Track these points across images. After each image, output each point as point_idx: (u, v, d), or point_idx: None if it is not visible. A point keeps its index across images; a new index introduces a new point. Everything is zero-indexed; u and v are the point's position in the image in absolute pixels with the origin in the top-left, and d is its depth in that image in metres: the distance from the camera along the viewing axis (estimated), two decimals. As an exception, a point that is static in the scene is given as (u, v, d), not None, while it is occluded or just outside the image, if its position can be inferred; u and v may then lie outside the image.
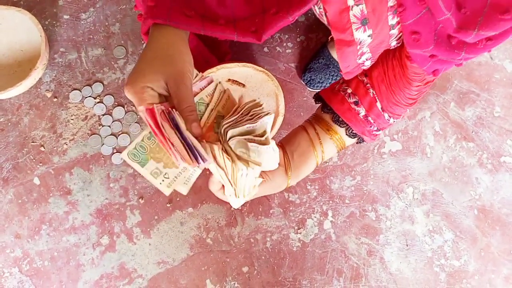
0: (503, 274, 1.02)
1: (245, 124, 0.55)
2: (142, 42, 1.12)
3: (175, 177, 0.56)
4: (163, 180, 0.56)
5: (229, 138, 0.54)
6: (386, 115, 0.66)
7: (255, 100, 0.59)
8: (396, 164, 1.07)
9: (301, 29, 1.15)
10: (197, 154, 0.51)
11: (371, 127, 0.66)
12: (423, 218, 1.04)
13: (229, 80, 1.00)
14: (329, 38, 1.10)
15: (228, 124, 0.55)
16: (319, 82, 1.08)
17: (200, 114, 0.57)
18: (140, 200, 1.04)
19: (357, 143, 0.71)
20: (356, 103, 0.66)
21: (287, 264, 1.01)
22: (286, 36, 1.15)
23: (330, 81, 1.08)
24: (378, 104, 0.65)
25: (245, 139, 0.55)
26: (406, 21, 0.54)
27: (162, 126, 0.51)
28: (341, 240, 1.03)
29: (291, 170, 0.64)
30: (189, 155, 0.51)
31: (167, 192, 0.57)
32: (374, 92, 0.65)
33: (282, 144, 0.67)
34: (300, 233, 1.03)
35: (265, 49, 1.14)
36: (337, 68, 1.08)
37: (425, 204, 1.05)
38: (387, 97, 0.64)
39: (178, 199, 1.04)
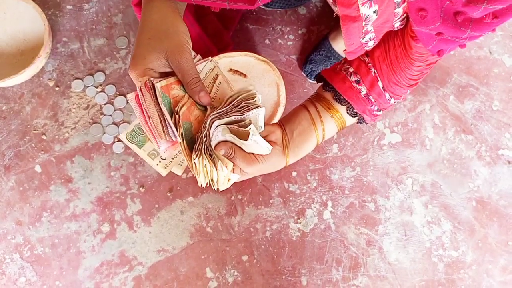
0: (500, 265, 1.02)
1: (232, 116, 0.55)
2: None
3: (172, 158, 0.57)
4: (160, 161, 0.57)
5: (213, 127, 0.54)
6: (387, 95, 0.66)
7: (250, 91, 0.59)
8: (396, 156, 1.08)
9: (302, 21, 1.16)
10: (170, 129, 0.51)
11: (371, 106, 0.67)
12: (421, 209, 1.05)
13: (230, 70, 1.01)
14: (330, 30, 1.11)
15: (215, 115, 0.55)
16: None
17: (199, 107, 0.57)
18: (141, 188, 1.04)
19: (357, 122, 0.71)
20: (357, 82, 0.66)
21: (287, 253, 1.02)
22: (288, 29, 1.16)
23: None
24: (380, 83, 0.65)
25: (229, 127, 0.55)
26: None
27: (143, 96, 0.51)
28: (340, 230, 1.04)
29: (290, 149, 0.64)
30: (163, 128, 0.51)
31: (163, 173, 0.58)
32: (375, 71, 0.65)
33: (282, 123, 0.67)
34: (300, 223, 1.04)
35: (267, 41, 1.15)
36: (337, 60, 1.08)
37: (424, 195, 1.06)
38: (388, 77, 0.65)
39: (178, 188, 1.05)
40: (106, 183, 1.05)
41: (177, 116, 0.51)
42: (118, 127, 1.08)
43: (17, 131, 1.07)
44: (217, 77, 0.61)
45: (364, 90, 0.66)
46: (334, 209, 1.04)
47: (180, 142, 0.52)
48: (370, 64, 0.66)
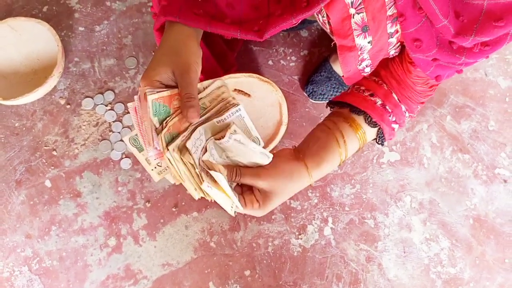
0: (497, 282, 1.04)
1: (214, 119, 0.56)
2: (152, 52, 1.18)
3: (167, 167, 0.61)
4: (155, 167, 0.61)
5: (203, 138, 0.56)
6: (403, 107, 0.66)
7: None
8: (395, 174, 1.11)
9: (304, 43, 1.21)
10: (156, 139, 0.54)
11: (390, 116, 0.65)
12: (420, 226, 1.07)
13: (235, 90, 1.05)
14: (331, 52, 1.16)
15: (198, 123, 0.56)
16: (320, 94, 1.13)
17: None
18: (147, 203, 1.08)
19: (377, 142, 0.68)
20: (371, 95, 0.66)
21: (288, 269, 1.05)
22: (290, 50, 1.20)
23: (331, 93, 1.13)
24: (394, 95, 0.66)
25: (216, 141, 0.56)
26: (407, 30, 0.57)
27: (140, 105, 0.56)
28: (340, 246, 1.06)
29: (307, 157, 0.62)
30: (152, 136, 0.54)
31: (156, 178, 0.61)
32: (387, 86, 0.66)
33: (295, 147, 0.66)
34: (301, 238, 1.06)
35: (270, 62, 1.19)
36: (338, 81, 1.13)
37: (422, 212, 1.08)
38: (400, 91, 0.65)
39: (183, 203, 1.08)
40: (114, 198, 1.08)
41: (164, 125, 0.55)
42: (126, 144, 1.12)
43: (28, 147, 1.11)
44: (222, 94, 0.63)
45: (379, 101, 0.66)
46: (334, 225, 1.07)
47: (164, 150, 0.54)
48: (380, 81, 0.67)
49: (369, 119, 0.65)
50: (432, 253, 1.06)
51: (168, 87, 0.58)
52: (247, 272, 1.04)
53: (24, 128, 1.13)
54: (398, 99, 0.66)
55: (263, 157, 0.58)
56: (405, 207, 1.09)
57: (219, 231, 1.06)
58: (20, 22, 1.12)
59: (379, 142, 0.68)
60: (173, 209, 1.08)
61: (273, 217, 1.07)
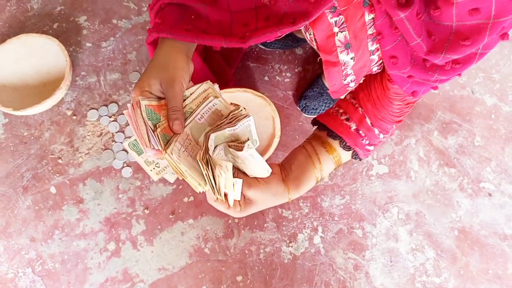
0: (480, 292, 1.08)
1: (225, 128, 0.62)
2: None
3: (165, 167, 0.67)
4: (153, 168, 0.67)
5: (213, 143, 0.61)
6: (376, 130, 0.72)
7: (238, 106, 0.66)
8: (383, 186, 1.15)
9: (299, 61, 1.28)
10: (152, 140, 0.60)
11: (363, 140, 0.72)
12: (406, 236, 1.11)
13: (231, 103, 1.11)
14: (323, 70, 1.22)
15: (210, 128, 0.62)
16: (313, 108, 1.19)
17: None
18: (146, 210, 1.13)
19: (353, 158, 0.75)
20: (347, 119, 0.72)
21: (279, 275, 1.09)
22: (286, 67, 1.27)
23: (323, 108, 1.18)
24: (368, 120, 0.72)
25: (228, 144, 0.62)
26: (384, 47, 0.63)
27: (134, 111, 0.62)
28: (329, 255, 1.10)
29: (290, 180, 0.68)
30: (148, 138, 0.60)
31: (155, 178, 0.67)
32: (362, 110, 0.72)
33: (281, 163, 0.72)
34: (292, 246, 1.11)
35: (266, 78, 1.26)
36: (329, 97, 1.18)
37: (408, 223, 1.12)
38: (374, 114, 0.71)
39: (180, 211, 1.13)
40: (114, 204, 1.14)
41: (158, 129, 0.61)
42: (127, 153, 1.18)
43: (36, 155, 1.18)
44: (208, 97, 0.68)
45: (353, 126, 0.72)
46: (324, 234, 1.12)
47: (162, 149, 0.60)
48: (357, 105, 0.74)
49: (344, 143, 0.71)
50: (417, 262, 1.10)
51: (158, 98, 0.64)
52: (239, 278, 1.09)
53: (32, 137, 1.20)
54: (371, 123, 0.71)
55: (264, 171, 0.64)
56: (393, 218, 1.13)
57: (214, 237, 1.11)
58: (32, 38, 1.20)
59: (354, 158, 0.75)
60: (170, 216, 1.13)
61: (265, 225, 1.12)
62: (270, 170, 0.65)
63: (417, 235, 1.12)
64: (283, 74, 1.26)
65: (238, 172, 0.65)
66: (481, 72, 1.26)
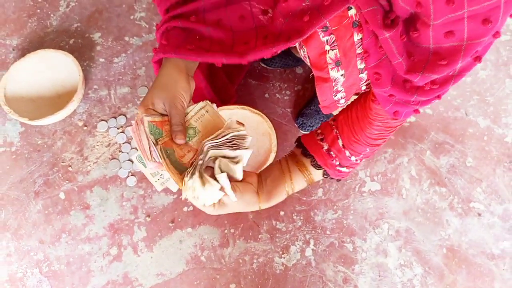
0: (466, 309, 1.10)
1: (226, 149, 0.68)
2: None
3: (168, 178, 0.73)
4: (158, 179, 0.73)
5: (209, 157, 0.67)
6: (347, 152, 0.77)
7: (241, 130, 0.70)
8: (374, 202, 1.20)
9: (299, 79, 1.34)
10: (154, 153, 0.67)
11: (333, 160, 0.77)
12: (395, 252, 1.15)
13: (237, 121, 1.17)
14: (315, 84, 1.27)
15: (211, 144, 0.68)
16: (309, 126, 1.24)
17: (189, 136, 0.72)
18: (147, 218, 1.20)
19: (324, 176, 0.81)
20: (321, 140, 0.78)
21: (270, 285, 1.14)
22: (286, 85, 1.33)
23: (319, 125, 1.24)
24: (340, 141, 0.77)
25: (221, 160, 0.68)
26: (369, 64, 0.68)
27: (137, 127, 0.68)
28: (320, 267, 1.15)
29: (263, 192, 0.76)
30: (150, 152, 0.67)
31: (159, 188, 0.74)
32: (337, 131, 0.78)
33: (259, 173, 0.80)
34: (284, 257, 1.16)
35: (266, 95, 1.32)
36: (326, 115, 1.24)
37: (398, 240, 1.16)
38: (348, 136, 0.76)
39: (179, 219, 1.19)
40: (118, 211, 1.21)
41: (159, 142, 0.67)
42: (132, 163, 1.25)
43: (48, 162, 1.26)
44: (209, 117, 0.74)
45: (326, 146, 0.78)
46: (315, 247, 1.16)
47: (164, 164, 0.66)
48: (334, 126, 0.79)
49: (315, 162, 0.77)
50: (405, 278, 1.13)
51: (161, 114, 0.71)
52: (233, 286, 1.14)
53: (45, 146, 1.28)
54: (343, 144, 0.76)
55: (240, 172, 0.70)
56: (383, 234, 1.17)
57: (210, 246, 1.17)
58: (49, 53, 1.29)
59: (325, 177, 0.80)
60: (170, 224, 1.19)
61: (259, 236, 1.17)
62: (235, 199, 0.69)
63: (406, 252, 1.15)
64: (283, 92, 1.32)
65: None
66: (475, 95, 1.30)
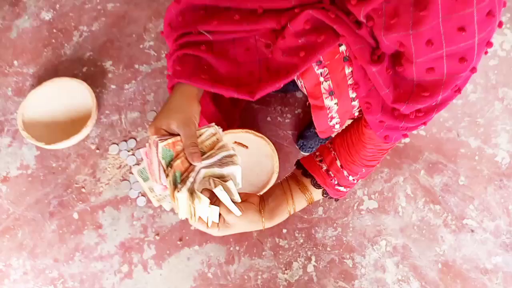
0: (461, 322, 1.15)
1: (215, 167, 0.72)
2: (170, 109, 1.41)
3: (164, 196, 0.78)
4: (156, 195, 0.78)
5: (202, 176, 0.71)
6: (345, 172, 0.82)
7: (229, 149, 0.75)
8: (372, 220, 1.26)
9: (299, 103, 1.41)
10: (162, 177, 0.71)
11: (332, 180, 0.81)
12: (393, 268, 1.21)
13: (235, 142, 1.25)
14: (312, 112, 1.35)
15: (203, 165, 0.72)
16: (309, 147, 1.32)
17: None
18: (156, 236, 1.26)
19: (323, 195, 0.85)
20: (320, 161, 0.84)
21: (274, 300, 1.19)
22: (287, 109, 1.41)
23: (318, 146, 1.31)
24: (338, 162, 0.82)
25: (214, 180, 0.71)
26: (360, 94, 0.75)
27: (150, 150, 0.72)
28: (321, 283, 1.20)
29: (265, 212, 0.79)
30: (159, 175, 0.71)
31: (155, 204, 0.77)
32: (335, 153, 0.83)
33: (262, 195, 0.83)
34: (287, 273, 1.21)
35: (268, 118, 1.39)
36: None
37: (395, 256, 1.22)
38: (345, 157, 0.82)
39: (187, 238, 1.26)
40: (129, 230, 1.27)
41: (170, 166, 0.71)
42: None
43: (62, 184, 1.33)
44: (218, 142, 0.78)
45: (325, 167, 0.83)
46: (317, 263, 1.22)
47: (168, 186, 0.70)
48: (331, 148, 0.85)
49: (315, 181, 0.82)
50: (403, 293, 1.19)
51: (170, 134, 0.75)
52: (238, 301, 1.19)
53: (60, 168, 1.35)
54: (341, 165, 0.82)
55: (234, 210, 0.73)
56: (381, 250, 1.23)
57: (216, 263, 1.23)
58: (64, 81, 1.38)
59: (325, 196, 0.85)
60: (178, 242, 1.25)
61: (263, 253, 1.23)
62: (239, 213, 0.73)
63: (403, 267, 1.21)
64: (284, 115, 1.40)
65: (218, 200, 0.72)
66: (466, 116, 1.37)
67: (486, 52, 0.65)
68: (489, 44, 0.62)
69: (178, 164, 0.73)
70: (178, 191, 0.68)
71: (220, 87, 0.77)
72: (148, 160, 0.75)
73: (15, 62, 1.50)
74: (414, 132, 1.34)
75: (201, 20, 0.76)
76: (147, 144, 0.75)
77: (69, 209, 1.30)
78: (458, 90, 0.68)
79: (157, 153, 0.72)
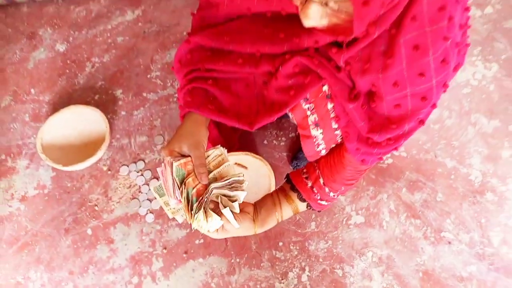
0: (440, 325, 1.28)
1: (225, 189, 0.84)
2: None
3: (178, 209, 0.90)
4: (170, 209, 0.90)
5: (213, 194, 0.82)
6: (326, 189, 0.94)
7: (240, 176, 0.86)
8: (360, 233, 1.39)
9: (293, 128, 1.56)
10: (176, 192, 0.82)
11: (315, 196, 0.92)
12: (379, 277, 1.34)
13: (235, 163, 1.39)
14: (300, 140, 1.49)
15: (215, 186, 0.84)
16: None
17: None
18: (164, 250, 1.38)
19: (307, 208, 0.96)
20: (306, 178, 0.95)
21: (272, 307, 1.31)
22: (281, 133, 1.55)
23: (310, 167, 1.45)
24: (321, 180, 0.92)
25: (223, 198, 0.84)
26: (341, 125, 0.88)
27: (165, 169, 0.84)
28: (314, 291, 1.33)
29: (258, 220, 0.88)
30: (173, 190, 0.82)
31: (170, 216, 0.89)
32: (319, 171, 0.95)
33: (255, 203, 0.94)
34: (283, 283, 1.34)
35: (265, 142, 1.54)
36: (316, 159, 1.45)
37: (381, 265, 1.35)
38: (327, 176, 0.92)
39: (192, 251, 1.38)
40: (138, 244, 1.39)
41: (183, 183, 0.82)
42: (151, 202, 1.45)
43: (76, 202, 1.45)
44: (223, 162, 0.89)
45: (310, 183, 0.95)
46: (310, 273, 1.35)
47: (182, 201, 0.81)
48: (316, 167, 0.97)
49: (300, 196, 0.93)
50: (388, 299, 1.31)
51: (182, 156, 0.86)
52: (239, 309, 1.31)
53: (74, 188, 1.47)
54: (323, 182, 0.94)
55: (237, 207, 0.84)
56: (367, 261, 1.36)
57: (219, 274, 1.35)
58: (80, 109, 1.51)
59: (309, 208, 0.96)
60: (184, 255, 1.37)
61: (261, 264, 1.36)
62: (238, 226, 0.84)
63: (388, 276, 1.34)
64: (279, 138, 1.54)
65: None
66: (443, 139, 1.53)
67: (444, 91, 0.79)
68: (445, 85, 0.77)
69: (190, 181, 0.85)
70: (197, 210, 0.80)
71: (224, 117, 0.89)
72: (163, 178, 0.86)
73: (32, 91, 1.63)
74: (396, 153, 1.48)
75: (208, 59, 0.88)
76: (162, 164, 0.86)
77: (83, 225, 1.42)
78: (422, 122, 0.81)
79: (171, 172, 0.83)
